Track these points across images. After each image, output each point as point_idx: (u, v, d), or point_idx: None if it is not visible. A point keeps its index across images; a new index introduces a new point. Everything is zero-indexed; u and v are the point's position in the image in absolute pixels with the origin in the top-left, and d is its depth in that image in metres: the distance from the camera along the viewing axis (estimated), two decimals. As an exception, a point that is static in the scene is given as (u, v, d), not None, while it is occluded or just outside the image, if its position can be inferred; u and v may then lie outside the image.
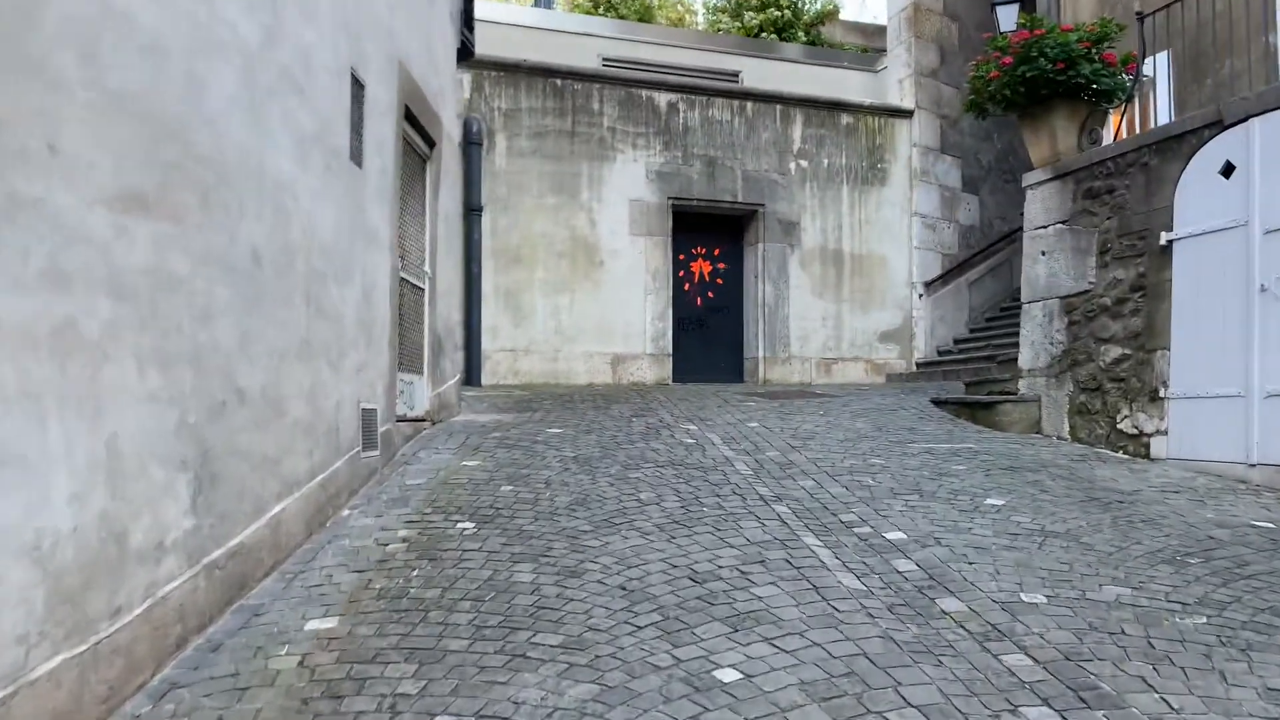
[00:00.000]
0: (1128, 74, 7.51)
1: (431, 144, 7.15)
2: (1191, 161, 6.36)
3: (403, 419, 6.43)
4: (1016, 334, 11.96)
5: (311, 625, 3.57)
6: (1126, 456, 6.63)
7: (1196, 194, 6.31)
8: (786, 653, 3.24)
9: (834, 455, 6.34)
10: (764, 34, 14.99)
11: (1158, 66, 8.79)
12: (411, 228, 6.83)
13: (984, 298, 13.22)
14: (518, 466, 5.81)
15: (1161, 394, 6.45)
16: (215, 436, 3.65)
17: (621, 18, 15.00)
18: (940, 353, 12.64)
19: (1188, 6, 7.72)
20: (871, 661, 3.17)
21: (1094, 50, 7.43)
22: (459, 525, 4.68)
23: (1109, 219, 7.03)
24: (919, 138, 12.82)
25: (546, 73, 11.07)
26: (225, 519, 3.74)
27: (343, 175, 5.07)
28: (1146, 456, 6.52)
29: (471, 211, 10.51)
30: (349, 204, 5.19)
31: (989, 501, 5.19)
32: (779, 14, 14.98)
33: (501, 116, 10.86)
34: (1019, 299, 13.58)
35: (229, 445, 3.77)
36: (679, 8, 17.19)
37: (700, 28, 16.50)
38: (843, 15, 15.96)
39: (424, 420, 6.96)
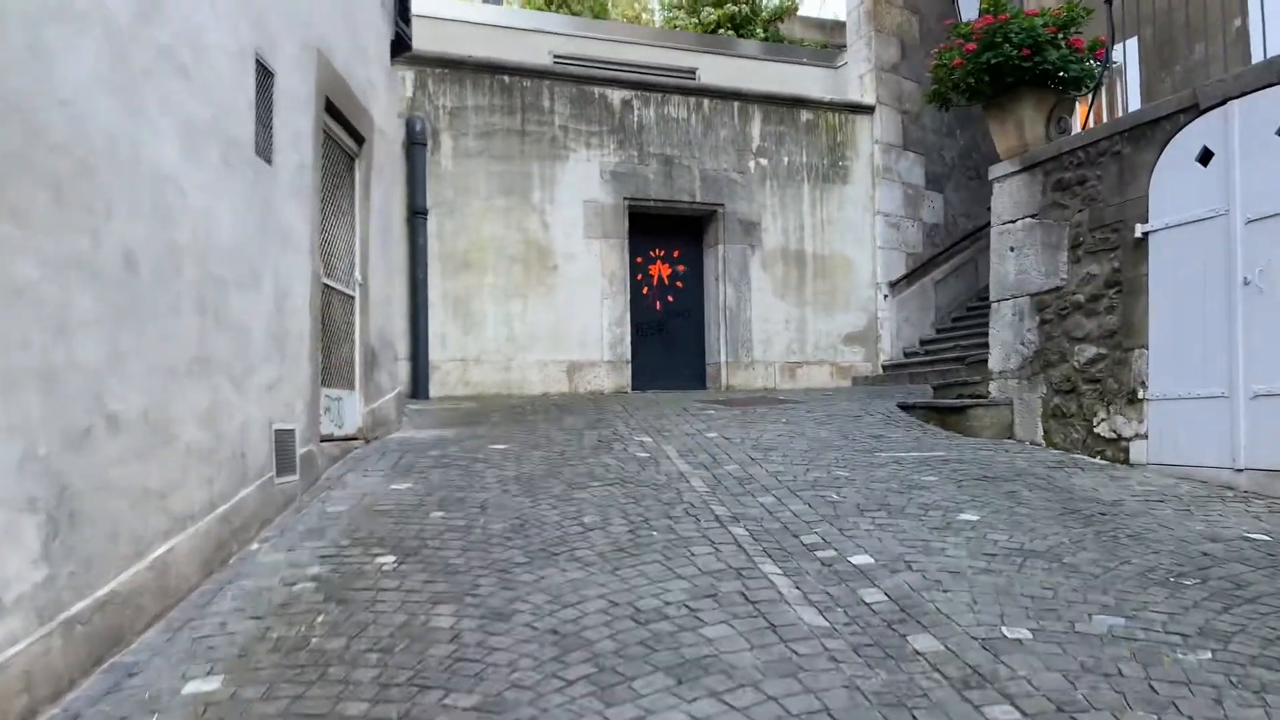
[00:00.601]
0: (1096, 60, 7.17)
1: (360, 140, 6.65)
2: (1167, 149, 6.01)
3: (329, 438, 5.93)
4: (984, 334, 11.65)
5: (191, 687, 3.07)
6: (1105, 462, 6.27)
7: (1173, 183, 5.96)
8: (737, 710, 2.79)
9: (796, 468, 5.92)
10: (721, 30, 14.62)
11: (1126, 53, 8.49)
12: (338, 230, 6.32)
13: (950, 297, 12.90)
14: (452, 489, 5.32)
15: (1140, 395, 6.10)
16: (77, 470, 3.15)
17: (575, 15, 14.55)
18: (907, 355, 12.29)
19: (1155, -9, 7.42)
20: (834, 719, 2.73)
21: (1060, 35, 7.10)
22: (378, 560, 4.19)
23: (1080, 211, 6.68)
24: (881, 134, 12.48)
25: (493, 69, 10.58)
26: (91, 565, 3.22)
27: (247, 171, 4.56)
28: (1126, 462, 6.16)
29: (416, 215, 10.00)
30: (256, 202, 4.69)
31: (962, 517, 4.78)
32: (736, 9, 14.60)
33: (447, 115, 10.36)
34: (986, 298, 13.29)
35: (97, 479, 3.26)
36: (635, 5, 16.77)
37: (657, 25, 16.09)
38: (802, 11, 15.63)
39: (356, 439, 6.45)
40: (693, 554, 4.20)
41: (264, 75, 4.80)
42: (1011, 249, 7.32)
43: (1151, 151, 6.11)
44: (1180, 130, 5.92)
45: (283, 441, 4.98)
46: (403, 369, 9.82)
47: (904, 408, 8.15)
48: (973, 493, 5.29)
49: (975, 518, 4.76)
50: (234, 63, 4.43)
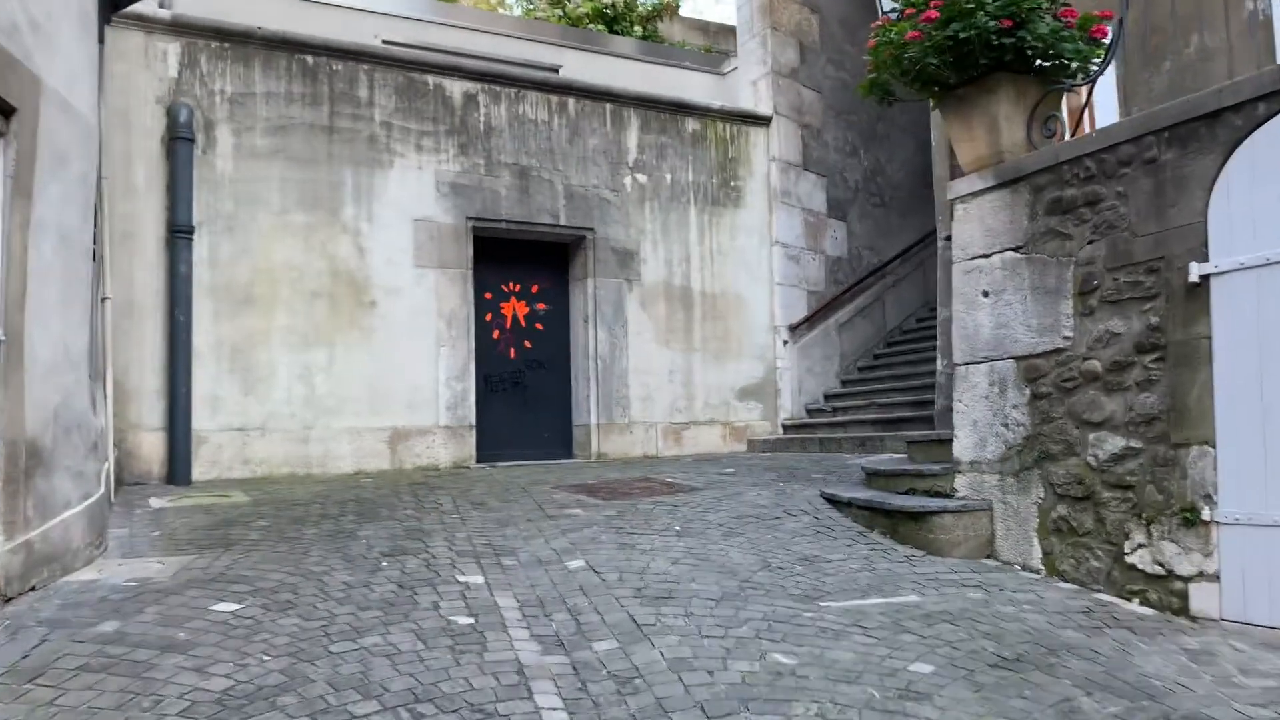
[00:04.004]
0: (1094, 39, 5.31)
1: (6, 113, 4.11)
2: (1236, 154, 4.13)
3: (-104, 620, 3.34)
4: (900, 387, 9.81)
5: None
6: (1151, 611, 4.28)
7: (1248, 203, 4.07)
8: None
9: (709, 643, 3.68)
10: (591, 26, 12.50)
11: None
12: (-54, 254, 3.77)
13: (856, 344, 11.07)
14: (81, 741, 2.84)
15: (1204, 515, 4.15)
16: None
17: (416, 0, 12.14)
18: (810, 411, 10.34)
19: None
20: None
21: (1047, 5, 5.22)
22: None
23: (1092, 243, 4.75)
24: (779, 150, 10.56)
25: (292, 46, 8.08)
26: None
27: None
28: (1185, 612, 4.19)
29: (178, 234, 7.38)
30: None
31: (1023, 790, 2.64)
32: (609, 1, 12.52)
33: (226, 103, 7.79)
34: (895, 344, 11.53)
35: None
36: (491, -1, 14.52)
37: (516, 15, 13.85)
38: (684, 11, 13.71)
39: (-20, 600, 3.87)
40: None
41: None
42: (985, 294, 5.36)
43: (1210, 158, 4.22)
44: (1259, 127, 4.04)
45: None
46: (152, 444, 7.17)
47: (832, 502, 6.07)
48: (1003, 705, 3.17)
49: (1046, 792, 2.63)
50: None
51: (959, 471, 5.44)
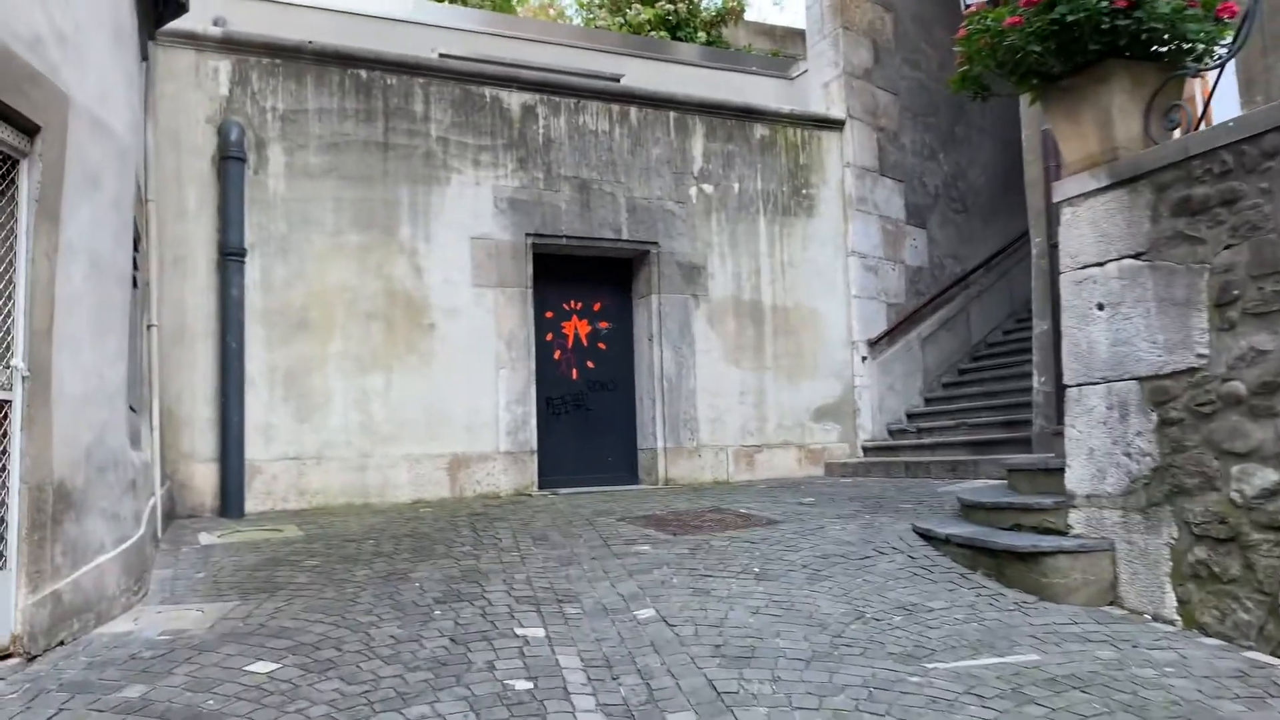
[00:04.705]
0: (1220, 19, 4.70)
1: (30, 130, 3.83)
2: None
3: (-101, 689, 3.03)
4: (990, 405, 9.15)
5: None
6: (1319, 676, 3.66)
7: None
8: None
9: (801, 718, 3.19)
10: (653, 33, 12.13)
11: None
12: (-38, 284, 3.49)
13: (940, 358, 10.44)
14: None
15: (1385, 564, 3.53)
16: None
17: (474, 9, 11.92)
18: (892, 432, 9.74)
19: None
20: None
21: (1168, -18, 4.64)
22: None
23: (1230, 247, 4.15)
24: (853, 155, 10.02)
25: (344, 60, 7.84)
26: None
27: None
28: (1362, 679, 3.56)
29: (229, 256, 7.15)
30: None
31: None
32: (671, 8, 12.12)
33: (279, 121, 7.56)
34: (980, 358, 10.83)
35: None
36: (549, 11, 14.22)
37: (576, 24, 13.55)
38: (749, 15, 13.25)
39: (7, 657, 3.56)
40: None
41: None
42: (1100, 306, 4.77)
43: (1380, 146, 3.61)
44: None
45: None
46: (205, 475, 6.93)
47: (927, 538, 5.52)
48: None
49: None
50: None
51: (1073, 506, 4.85)
